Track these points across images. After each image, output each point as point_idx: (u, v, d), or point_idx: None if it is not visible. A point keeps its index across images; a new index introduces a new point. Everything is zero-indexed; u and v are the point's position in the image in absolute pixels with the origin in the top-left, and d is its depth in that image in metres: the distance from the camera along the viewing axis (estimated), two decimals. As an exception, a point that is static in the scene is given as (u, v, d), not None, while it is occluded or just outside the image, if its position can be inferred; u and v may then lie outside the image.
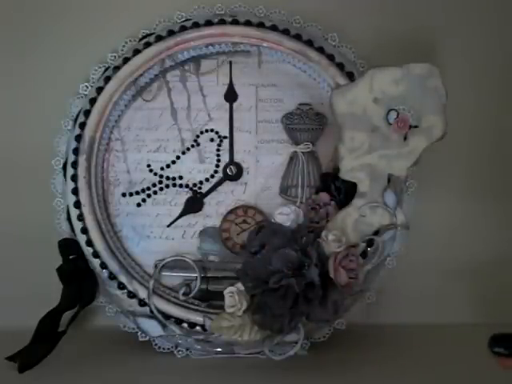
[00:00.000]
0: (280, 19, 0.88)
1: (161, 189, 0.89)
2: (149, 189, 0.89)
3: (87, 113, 0.87)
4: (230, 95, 0.89)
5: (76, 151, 0.86)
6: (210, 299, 0.86)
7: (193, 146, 0.89)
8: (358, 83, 0.82)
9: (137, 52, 0.87)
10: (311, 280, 0.78)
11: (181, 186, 0.89)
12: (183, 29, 0.87)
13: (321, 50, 0.87)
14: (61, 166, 0.88)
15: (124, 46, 0.88)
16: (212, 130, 0.89)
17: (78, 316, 0.84)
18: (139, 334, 0.87)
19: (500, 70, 0.97)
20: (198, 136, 0.89)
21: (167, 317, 0.85)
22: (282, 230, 0.83)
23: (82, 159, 0.86)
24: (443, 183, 0.97)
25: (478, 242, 0.98)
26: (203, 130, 0.89)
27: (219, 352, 0.84)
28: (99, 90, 0.87)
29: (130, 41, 0.88)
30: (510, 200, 0.98)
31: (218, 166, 0.89)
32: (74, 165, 0.86)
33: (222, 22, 0.87)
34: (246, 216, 0.88)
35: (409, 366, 0.81)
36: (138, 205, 0.89)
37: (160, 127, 0.89)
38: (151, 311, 0.85)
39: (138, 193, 0.89)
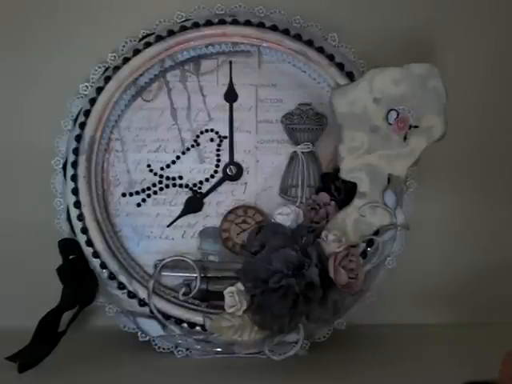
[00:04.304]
0: (280, 19, 0.88)
1: (161, 189, 0.89)
2: (149, 189, 0.89)
3: (87, 113, 0.87)
4: (230, 95, 0.89)
5: (76, 151, 0.86)
6: (210, 299, 0.86)
7: (193, 145, 0.89)
8: (358, 83, 0.82)
9: (137, 52, 0.87)
10: (311, 280, 0.78)
11: (181, 185, 0.89)
12: (183, 29, 0.87)
13: (321, 49, 0.87)
14: (61, 166, 0.88)
15: (124, 45, 0.88)
16: (212, 130, 0.89)
17: (78, 316, 0.84)
18: (139, 334, 0.87)
19: (500, 69, 0.97)
20: (198, 136, 0.89)
21: (167, 317, 0.85)
22: (281, 230, 0.83)
23: (81, 159, 0.86)
24: (443, 183, 0.97)
25: (478, 241, 0.98)
26: (203, 129, 0.89)
27: (219, 352, 0.84)
28: (99, 89, 0.87)
29: (130, 41, 0.88)
30: (510, 200, 0.98)
31: (218, 165, 0.89)
32: (74, 165, 0.86)
33: (222, 22, 0.87)
34: (245, 216, 0.88)
35: (409, 366, 0.81)
36: (138, 205, 0.89)
37: (160, 127, 0.89)
38: (151, 311, 0.85)
39: (138, 193, 0.89)
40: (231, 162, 0.89)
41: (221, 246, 0.88)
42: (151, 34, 0.88)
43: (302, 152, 0.87)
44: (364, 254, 0.85)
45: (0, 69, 0.94)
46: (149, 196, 0.89)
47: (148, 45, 0.87)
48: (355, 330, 0.89)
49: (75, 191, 0.86)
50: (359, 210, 0.83)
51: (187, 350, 0.86)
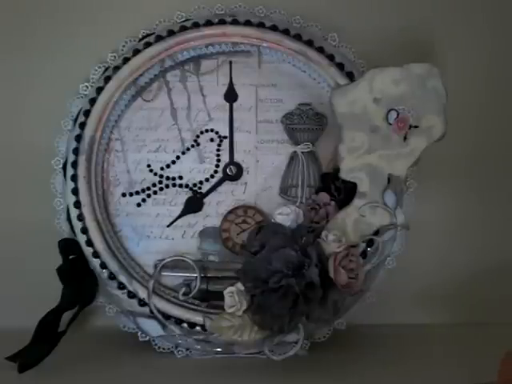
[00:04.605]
0: (280, 19, 0.88)
1: (161, 189, 0.89)
2: (149, 189, 0.89)
3: (87, 113, 0.87)
4: (230, 95, 0.89)
5: (76, 151, 0.86)
6: (210, 299, 0.86)
7: (193, 145, 0.89)
8: (358, 83, 0.82)
9: (137, 52, 0.87)
10: (311, 280, 0.78)
11: (181, 185, 0.89)
12: (183, 29, 0.87)
13: (321, 49, 0.87)
14: (61, 166, 0.88)
15: (124, 45, 0.88)
16: (212, 130, 0.89)
17: (78, 316, 0.84)
18: (139, 334, 0.87)
19: (500, 69, 0.97)
20: (198, 136, 0.89)
21: (167, 317, 0.85)
22: (281, 230, 0.83)
23: (81, 159, 0.86)
24: (443, 183, 0.97)
25: (479, 242, 0.98)
26: (203, 129, 0.89)
27: (219, 352, 0.84)
28: (99, 89, 0.87)
29: (130, 41, 0.88)
30: (510, 200, 0.98)
31: (218, 166, 0.89)
32: (74, 165, 0.86)
33: (222, 22, 0.87)
34: (245, 216, 0.88)
35: (409, 366, 0.81)
36: (138, 205, 0.89)
37: (160, 127, 0.89)
38: (151, 311, 0.85)
39: (138, 193, 0.89)
40: (231, 162, 0.89)
41: (221, 246, 0.88)
42: (151, 34, 0.88)
43: (302, 152, 0.87)
44: (364, 254, 0.85)
45: (0, 69, 0.94)
46: (149, 196, 0.89)
47: (148, 45, 0.87)
48: (355, 329, 0.89)
49: (75, 191, 0.86)
50: (359, 210, 0.83)
51: (187, 350, 0.86)
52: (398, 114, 0.82)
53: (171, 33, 0.87)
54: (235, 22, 0.87)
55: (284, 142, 0.89)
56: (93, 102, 0.87)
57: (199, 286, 0.85)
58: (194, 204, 0.89)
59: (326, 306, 0.79)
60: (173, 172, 0.89)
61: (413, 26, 0.95)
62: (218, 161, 0.89)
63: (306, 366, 0.82)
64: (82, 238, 0.86)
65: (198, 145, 0.89)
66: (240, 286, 0.81)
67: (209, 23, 0.87)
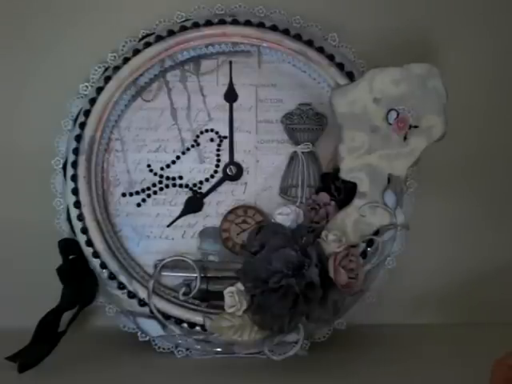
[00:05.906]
0: (280, 19, 0.88)
1: (161, 189, 0.89)
2: (149, 189, 0.89)
3: (87, 113, 0.87)
4: (230, 95, 0.89)
5: (76, 151, 0.86)
6: (210, 299, 0.86)
7: (193, 145, 0.89)
8: (358, 83, 0.82)
9: (137, 52, 0.87)
10: (311, 280, 0.78)
11: (181, 185, 0.89)
12: (183, 29, 0.87)
13: (321, 49, 0.87)
14: (61, 166, 0.88)
15: (124, 45, 0.88)
16: (212, 130, 0.89)
17: (78, 316, 0.84)
18: (139, 334, 0.87)
19: (500, 69, 0.97)
20: (198, 136, 0.89)
21: (167, 317, 0.85)
22: (281, 230, 0.83)
23: (81, 159, 0.86)
24: (443, 183, 0.97)
25: (478, 242, 0.98)
26: (203, 130, 0.89)
27: (219, 352, 0.84)
28: (99, 89, 0.87)
29: (130, 41, 0.88)
30: (509, 201, 0.98)
31: (217, 166, 0.89)
32: (74, 165, 0.86)
33: (222, 22, 0.87)
34: (245, 216, 0.88)
35: (409, 366, 0.81)
36: (138, 205, 0.89)
37: (160, 127, 0.89)
38: (151, 311, 0.85)
39: (138, 193, 0.89)
40: (231, 162, 0.89)
41: (221, 246, 0.88)
42: (151, 34, 0.88)
43: (302, 152, 0.87)
44: (364, 254, 0.85)
45: (0, 69, 0.94)
46: (149, 196, 0.89)
47: (148, 45, 0.87)
48: (355, 329, 0.89)
49: (75, 191, 0.86)
50: (359, 209, 0.83)
51: (187, 350, 0.86)
52: (397, 114, 0.82)
53: (171, 33, 0.87)
54: (235, 22, 0.87)
55: (284, 141, 0.89)
56: (93, 101, 0.87)
57: (199, 285, 0.85)
58: (194, 204, 0.89)
59: (326, 306, 0.79)
60: (173, 172, 0.89)
61: (413, 26, 0.95)
62: (218, 161, 0.89)
63: (306, 366, 0.82)
64: (82, 238, 0.86)
65: (198, 145, 0.89)
66: (240, 286, 0.81)
67: (209, 23, 0.87)
